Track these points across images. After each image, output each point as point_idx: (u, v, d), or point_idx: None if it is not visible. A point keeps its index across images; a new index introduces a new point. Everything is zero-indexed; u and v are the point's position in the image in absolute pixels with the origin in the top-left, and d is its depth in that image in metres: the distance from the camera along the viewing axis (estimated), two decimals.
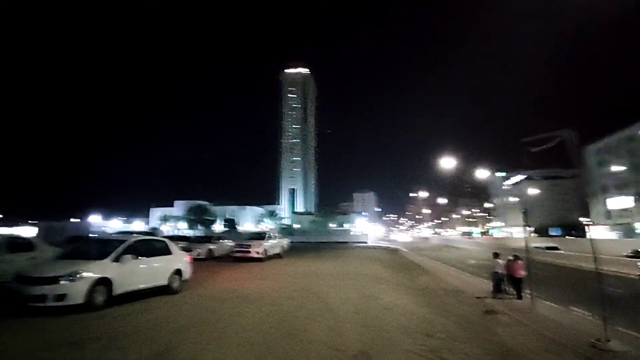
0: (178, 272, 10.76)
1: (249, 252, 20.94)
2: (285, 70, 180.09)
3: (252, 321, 7.63)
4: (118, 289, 8.58)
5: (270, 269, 18.05)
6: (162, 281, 10.12)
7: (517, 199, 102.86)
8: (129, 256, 8.89)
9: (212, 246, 23.12)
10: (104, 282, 8.25)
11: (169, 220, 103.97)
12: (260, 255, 21.05)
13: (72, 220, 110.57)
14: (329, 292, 11.46)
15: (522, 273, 11.89)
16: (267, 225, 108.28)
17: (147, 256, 9.74)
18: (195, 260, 22.05)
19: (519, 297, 11.79)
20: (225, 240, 25.34)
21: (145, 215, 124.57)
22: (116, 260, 8.71)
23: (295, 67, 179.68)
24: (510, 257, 12.33)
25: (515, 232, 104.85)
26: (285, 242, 26.10)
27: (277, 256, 23.86)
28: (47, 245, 11.58)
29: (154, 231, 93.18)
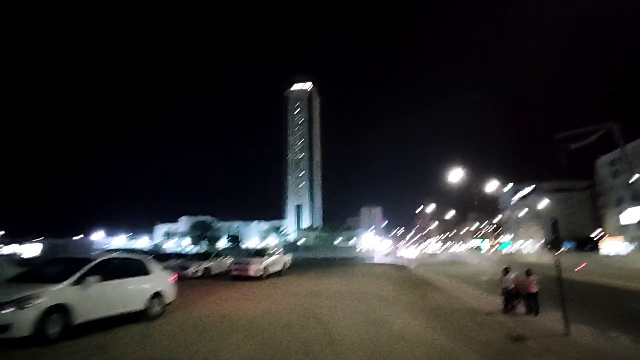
0: (158, 294, 9.37)
1: (247, 270, 19.49)
2: (291, 87, 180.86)
3: (235, 359, 6.20)
4: (78, 318, 7.20)
5: (269, 288, 16.59)
6: (137, 306, 8.72)
7: (526, 212, 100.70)
8: (92, 278, 7.53)
9: (209, 264, 21.71)
10: (60, 310, 6.88)
11: (172, 237, 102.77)
12: (259, 274, 19.59)
13: (75, 237, 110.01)
14: (332, 316, 9.98)
15: (535, 288, 11.53)
16: (272, 241, 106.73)
17: (119, 277, 8.37)
18: (191, 279, 20.89)
19: (536, 313, 11.32)
20: (225, 258, 23.92)
21: (150, 231, 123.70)
22: (77, 283, 7.34)
23: (301, 82, 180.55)
24: (514, 273, 12.12)
25: (526, 246, 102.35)
26: (287, 258, 24.59)
27: (278, 274, 22.39)
28: (14, 265, 10.26)
29: (156, 248, 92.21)
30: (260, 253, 21.69)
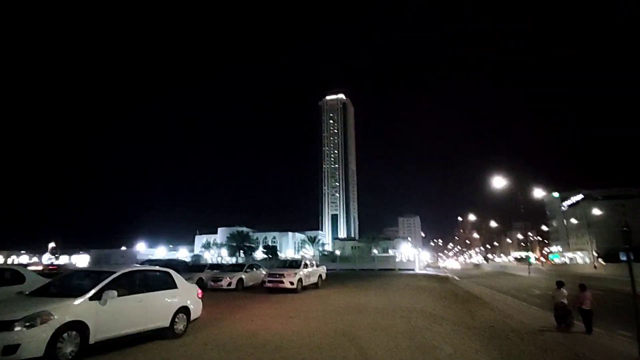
0: (184, 310, 8.75)
1: (282, 282, 18.76)
2: (325, 98, 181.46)
3: None
4: (97, 335, 6.65)
5: (303, 302, 15.74)
6: (162, 322, 8.12)
7: (576, 221, 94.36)
8: (113, 292, 6.97)
9: (243, 275, 21.17)
10: (76, 327, 6.34)
11: (211, 247, 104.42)
12: (294, 286, 18.81)
13: (121, 248, 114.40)
14: (371, 338, 8.96)
15: (589, 305, 11.06)
16: (308, 251, 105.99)
17: (143, 291, 7.82)
18: (224, 291, 20.53)
19: (589, 331, 10.82)
20: (259, 269, 23.35)
21: (191, 242, 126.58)
22: (95, 297, 6.81)
23: (335, 93, 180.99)
24: (566, 287, 11.68)
25: (578, 257, 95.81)
26: (323, 270, 23.66)
27: (314, 286, 21.52)
28: (41, 277, 10.00)
29: (196, 259, 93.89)
30: (295, 264, 20.93)
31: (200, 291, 9.68)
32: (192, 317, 9.06)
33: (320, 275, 22.51)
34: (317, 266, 23.44)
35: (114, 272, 7.55)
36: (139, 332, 7.60)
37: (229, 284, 20.17)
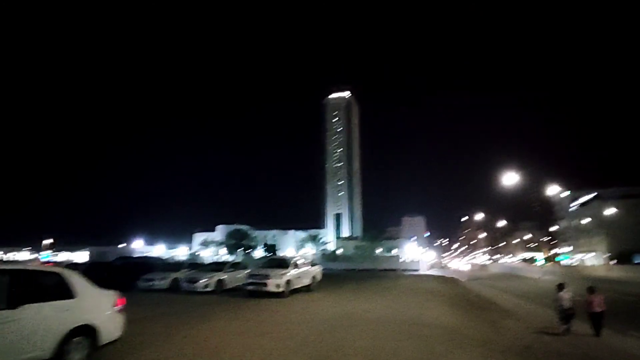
0: (85, 330, 5.82)
1: (266, 284, 15.76)
2: (329, 95, 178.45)
3: None
4: None
5: (288, 310, 12.79)
6: (37, 353, 5.17)
7: (588, 221, 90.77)
8: None
9: (224, 276, 18.20)
10: None
11: (209, 246, 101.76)
12: (280, 289, 15.81)
13: (120, 245, 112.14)
14: None
15: (599, 308, 10.81)
16: (310, 250, 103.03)
17: (12, 304, 4.92)
18: (199, 294, 16.81)
19: (597, 334, 10.70)
20: (245, 269, 20.35)
21: (189, 240, 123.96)
22: None
23: (339, 90, 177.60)
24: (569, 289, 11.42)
25: (588, 259, 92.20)
26: (318, 270, 20.57)
27: (306, 288, 18.55)
28: None
29: (193, 257, 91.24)
30: (283, 263, 17.89)
31: (120, 300, 6.71)
32: (103, 340, 6.10)
33: (313, 277, 19.50)
34: (312, 265, 20.47)
35: None
36: None
37: (206, 286, 17.24)
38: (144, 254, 51.42)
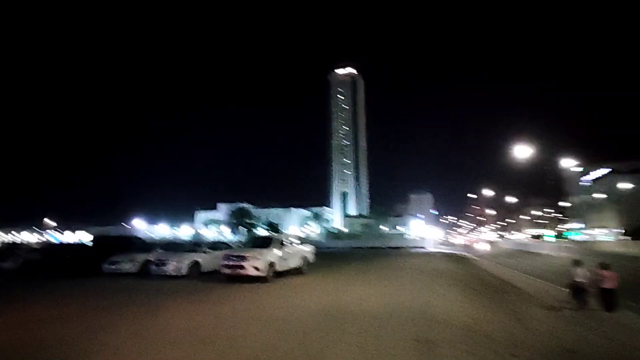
0: None
1: (243, 266, 13.30)
2: (334, 71, 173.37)
3: None
4: None
5: (262, 300, 10.33)
6: None
7: (600, 197, 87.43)
8: None
9: (198, 258, 15.74)
10: None
11: (210, 225, 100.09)
12: (260, 273, 13.35)
13: (122, 225, 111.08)
14: None
15: (611, 284, 10.36)
16: (314, 228, 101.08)
17: None
18: (170, 279, 13.89)
19: (608, 309, 10.18)
20: (228, 250, 17.91)
21: (191, 219, 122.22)
22: None
23: (344, 66, 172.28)
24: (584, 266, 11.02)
25: (601, 235, 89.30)
26: (309, 250, 18.02)
27: (297, 271, 16.11)
28: None
29: (196, 237, 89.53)
30: (264, 243, 15.35)
31: None
32: None
33: (304, 258, 16.95)
34: (302, 244, 17.96)
35: None
36: None
37: (177, 270, 14.84)
38: (134, 235, 49.30)
